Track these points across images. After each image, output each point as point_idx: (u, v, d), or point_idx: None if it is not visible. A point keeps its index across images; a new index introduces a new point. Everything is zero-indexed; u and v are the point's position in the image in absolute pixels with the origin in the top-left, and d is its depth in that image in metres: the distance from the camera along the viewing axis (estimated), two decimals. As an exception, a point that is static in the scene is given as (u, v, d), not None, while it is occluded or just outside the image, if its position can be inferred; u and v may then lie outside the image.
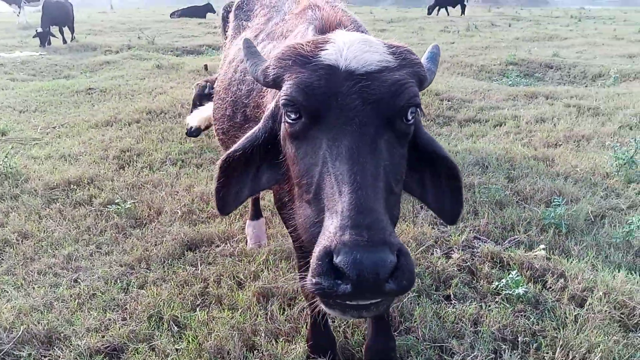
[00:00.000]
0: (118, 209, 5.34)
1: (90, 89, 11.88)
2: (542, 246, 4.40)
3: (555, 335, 3.38)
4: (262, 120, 2.18)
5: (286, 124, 1.87)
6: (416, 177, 2.20)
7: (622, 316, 3.51)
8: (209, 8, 38.58)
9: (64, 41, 20.93)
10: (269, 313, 3.69)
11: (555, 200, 5.00)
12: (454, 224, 2.36)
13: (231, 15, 4.13)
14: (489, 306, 3.71)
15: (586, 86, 12.96)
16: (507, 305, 3.72)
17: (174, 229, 5.01)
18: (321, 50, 1.83)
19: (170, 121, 9.06)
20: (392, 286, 1.49)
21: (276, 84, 1.93)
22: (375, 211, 1.59)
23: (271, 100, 2.42)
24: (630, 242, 4.47)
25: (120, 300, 3.91)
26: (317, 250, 1.57)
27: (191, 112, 7.54)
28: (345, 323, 3.59)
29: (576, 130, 8.15)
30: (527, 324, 3.52)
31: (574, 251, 4.40)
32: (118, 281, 4.17)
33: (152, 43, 20.70)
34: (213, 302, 3.88)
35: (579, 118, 8.96)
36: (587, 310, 3.57)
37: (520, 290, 3.72)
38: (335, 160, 1.69)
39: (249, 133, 2.18)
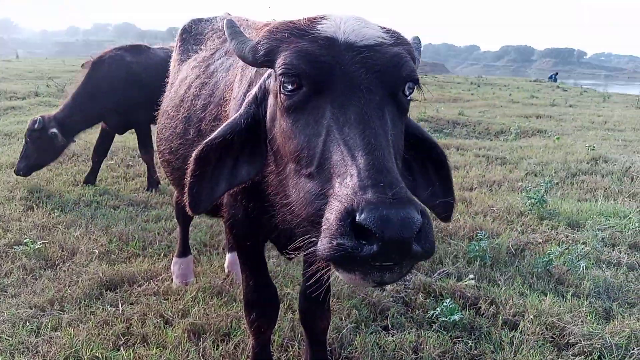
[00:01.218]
0: (26, 249, 4.87)
1: (-8, 132, 11.08)
2: (471, 276, 4.51)
3: (494, 357, 3.42)
4: (242, 107, 2.08)
5: (282, 97, 1.78)
6: (405, 167, 2.14)
7: (554, 336, 3.63)
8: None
9: (-38, 86, 19.57)
10: (202, 350, 3.44)
11: (478, 234, 5.19)
12: (448, 220, 2.28)
13: (177, 39, 4.03)
14: (427, 334, 3.69)
15: (491, 140, 13.91)
16: (444, 332, 3.73)
17: (91, 269, 4.62)
18: (317, 24, 1.80)
19: (83, 164, 8.62)
20: (418, 248, 1.40)
21: (268, 58, 1.84)
22: (394, 171, 1.53)
23: (237, 107, 2.33)
24: (550, 272, 4.69)
25: (31, 343, 3.48)
26: (334, 212, 1.45)
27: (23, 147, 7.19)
28: (284, 355, 3.42)
29: (488, 176, 8.65)
30: (466, 348, 3.53)
31: (500, 281, 4.54)
32: (27, 323, 3.73)
33: (62, 91, 19.81)
34: (138, 341, 3.56)
35: (489, 166, 9.54)
36: (520, 332, 3.65)
37: (456, 317, 3.75)
38: (343, 126, 1.63)
39: (229, 120, 2.08)
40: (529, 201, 6.30)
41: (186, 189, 2.07)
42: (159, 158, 3.63)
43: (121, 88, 7.04)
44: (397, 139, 1.78)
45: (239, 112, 2.08)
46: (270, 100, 1.96)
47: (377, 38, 1.79)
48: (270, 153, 2.00)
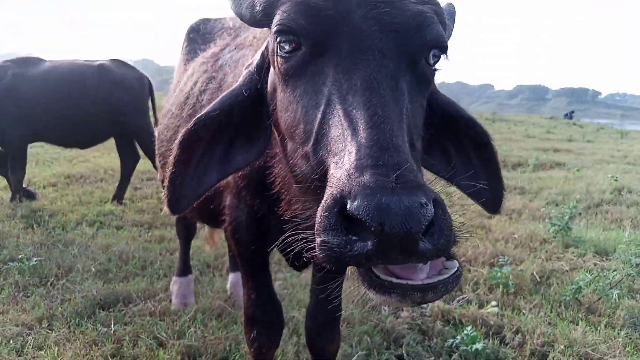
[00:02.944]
0: (21, 266, 4.61)
1: (3, 154, 10.99)
2: (493, 302, 4.16)
3: (522, 391, 3.04)
4: (242, 76, 1.79)
5: (279, 60, 1.51)
6: (438, 150, 1.84)
7: (589, 369, 3.25)
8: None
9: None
10: (196, 374, 3.12)
11: (501, 259, 4.84)
12: (497, 211, 1.92)
13: (184, 39, 3.83)
14: (446, 363, 3.34)
15: (508, 171, 13.55)
16: (465, 362, 3.37)
17: (85, 286, 4.35)
18: None
19: (90, 185, 8.45)
20: (428, 245, 1.10)
21: (267, 14, 1.57)
22: (403, 151, 1.22)
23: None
24: (579, 300, 4.31)
25: (11, 362, 3.20)
26: (323, 201, 1.18)
27: None
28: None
29: (507, 205, 8.27)
30: (490, 381, 3.17)
31: (525, 309, 4.17)
32: (11, 341, 3.45)
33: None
34: (128, 363, 3.25)
35: (507, 195, 9.12)
36: (551, 364, 3.28)
37: (478, 346, 3.39)
38: (346, 94, 1.34)
39: (227, 91, 1.77)
40: (553, 228, 5.94)
41: (166, 182, 1.73)
42: (159, 161, 3.38)
43: None
44: (415, 115, 1.48)
45: (238, 82, 1.79)
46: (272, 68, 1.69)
47: None
48: (275, 132, 1.71)
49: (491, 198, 1.90)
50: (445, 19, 1.64)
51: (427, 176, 1.78)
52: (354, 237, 1.11)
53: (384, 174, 1.14)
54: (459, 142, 1.87)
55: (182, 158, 1.71)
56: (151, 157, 7.46)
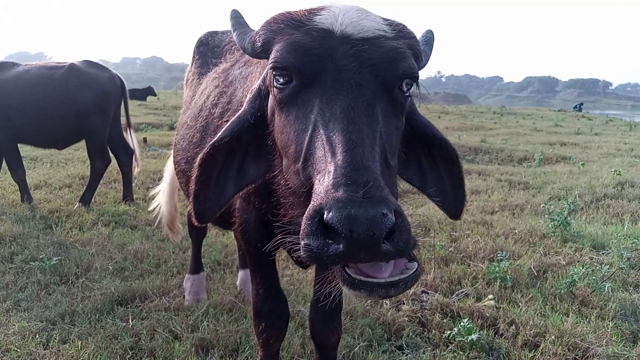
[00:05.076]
0: (42, 265, 4.88)
1: (18, 156, 11.30)
2: (490, 296, 4.36)
3: (513, 378, 3.25)
4: (246, 102, 2.05)
5: (275, 90, 1.76)
6: (414, 163, 2.09)
7: (577, 357, 3.46)
8: (149, 91, 38.78)
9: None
10: (209, 364, 3.36)
11: (499, 254, 5.04)
12: (458, 217, 2.18)
13: (195, 52, 4.07)
14: (443, 354, 3.55)
15: (514, 166, 13.70)
16: (461, 352, 3.58)
17: (104, 284, 4.61)
18: (315, 15, 1.78)
19: (104, 186, 8.70)
20: (389, 247, 1.35)
21: (265, 50, 1.83)
22: (372, 170, 1.47)
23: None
24: (573, 293, 4.50)
25: (39, 354, 3.45)
26: (307, 211, 1.44)
27: None
28: (293, 371, 3.31)
29: (510, 200, 8.47)
30: (483, 369, 3.38)
31: (521, 302, 4.38)
32: (37, 336, 3.70)
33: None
34: (145, 355, 3.49)
35: (511, 191, 9.37)
36: (541, 353, 3.49)
37: (474, 337, 3.60)
38: (328, 121, 1.60)
39: (235, 117, 2.04)
40: (552, 223, 6.12)
41: (191, 198, 2.02)
42: (175, 169, 3.61)
43: None
44: (390, 136, 1.73)
45: (243, 108, 2.04)
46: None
47: (375, 31, 1.75)
48: (275, 149, 1.96)
49: (454, 206, 2.15)
50: (420, 50, 1.88)
51: (402, 185, 2.03)
52: (330, 241, 1.36)
53: (354, 190, 1.39)
54: (432, 158, 2.12)
55: (203, 178, 1.98)
56: (92, 157, 7.68)
